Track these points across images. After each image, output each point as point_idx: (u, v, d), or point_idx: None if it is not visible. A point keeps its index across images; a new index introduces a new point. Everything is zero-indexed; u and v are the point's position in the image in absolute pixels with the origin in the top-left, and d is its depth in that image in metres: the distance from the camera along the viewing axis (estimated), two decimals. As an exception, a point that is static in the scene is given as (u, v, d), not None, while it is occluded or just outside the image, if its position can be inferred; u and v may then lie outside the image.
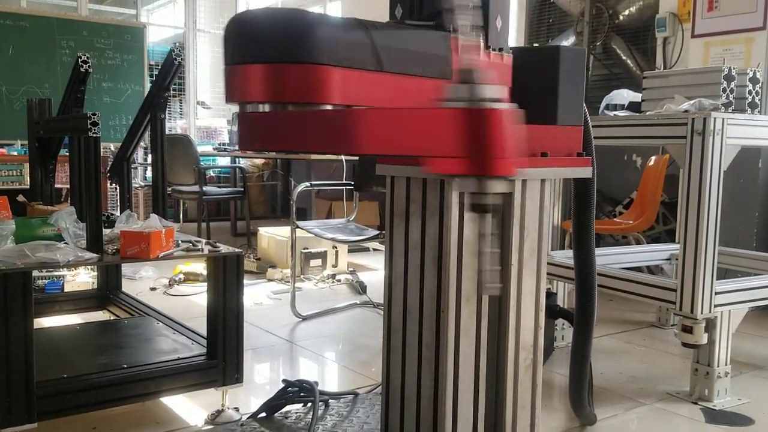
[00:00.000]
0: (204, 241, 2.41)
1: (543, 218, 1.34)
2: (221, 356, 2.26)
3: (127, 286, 3.40)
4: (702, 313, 2.43)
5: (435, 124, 0.96)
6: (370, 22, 1.13)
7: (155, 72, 7.01)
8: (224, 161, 7.49)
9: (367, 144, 1.01)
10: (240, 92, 1.09)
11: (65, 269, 3.83)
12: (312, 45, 1.03)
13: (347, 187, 4.69)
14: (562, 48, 1.29)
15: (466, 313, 1.28)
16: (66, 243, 2.21)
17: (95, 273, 3.61)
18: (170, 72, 2.47)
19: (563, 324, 3.20)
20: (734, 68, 2.67)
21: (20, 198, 2.84)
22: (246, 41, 1.08)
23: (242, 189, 6.13)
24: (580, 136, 1.37)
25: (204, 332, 2.38)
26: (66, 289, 3.70)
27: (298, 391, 2.02)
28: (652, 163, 4.11)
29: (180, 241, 2.36)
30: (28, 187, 3.05)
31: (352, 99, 1.06)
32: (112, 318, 3.05)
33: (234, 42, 1.09)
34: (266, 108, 1.09)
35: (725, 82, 2.64)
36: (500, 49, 1.25)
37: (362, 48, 1.07)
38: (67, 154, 2.81)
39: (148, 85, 6.61)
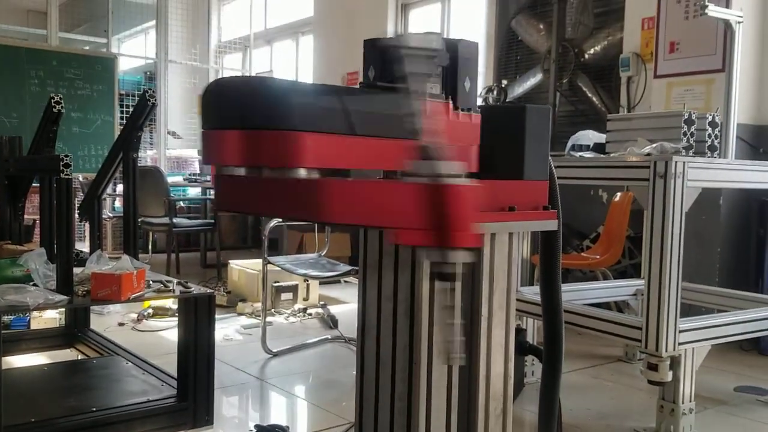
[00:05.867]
0: (175, 281, 2.42)
1: (511, 270, 1.38)
2: (191, 398, 2.25)
3: (94, 321, 3.37)
4: (667, 351, 2.48)
5: (399, 197, 1.01)
6: (339, 87, 1.18)
7: (125, 101, 7.01)
8: (195, 191, 7.47)
9: (336, 214, 1.06)
10: (216, 156, 1.13)
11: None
12: (284, 112, 1.07)
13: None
14: (528, 107, 1.34)
15: (437, 366, 1.31)
16: (35, 285, 2.20)
17: (63, 309, 3.56)
18: (143, 113, 2.48)
19: (533, 360, 3.24)
20: (694, 113, 2.77)
21: (-12, 236, 2.81)
22: (221, 108, 1.12)
23: (213, 221, 6.11)
24: (545, 190, 1.42)
25: (174, 370, 2.38)
26: (32, 326, 3.63)
27: (270, 435, 2.02)
28: (617, 198, 4.20)
29: (151, 282, 2.36)
30: (-4, 224, 3.02)
31: (326, 162, 1.10)
32: (80, 357, 3.02)
33: (210, 108, 1.13)
34: (242, 171, 1.13)
35: (686, 126, 2.73)
36: (469, 109, 1.30)
37: (333, 113, 1.11)
38: (36, 185, 2.79)
39: (118, 116, 6.58)
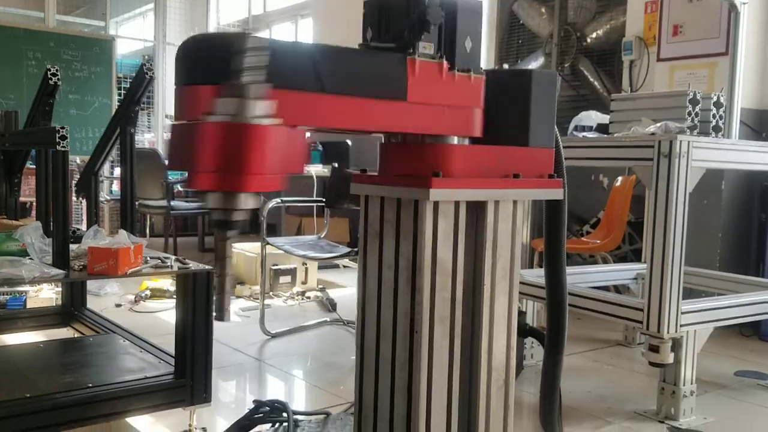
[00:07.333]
0: (173, 257, 2.38)
1: (515, 239, 1.36)
2: (189, 375, 2.22)
3: (91, 303, 3.33)
4: (668, 332, 2.46)
5: (197, 138, 0.99)
6: (316, 44, 1.18)
7: (123, 85, 6.95)
8: (193, 176, 7.40)
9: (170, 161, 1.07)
10: (190, 111, 1.09)
11: (28, 285, 3.74)
12: (258, 67, 1.04)
13: (318, 204, 4.67)
14: (534, 71, 1.31)
15: (439, 334, 1.28)
16: (31, 258, 2.17)
17: (59, 289, 3.53)
18: (141, 86, 2.45)
19: (532, 342, 3.22)
20: (699, 92, 2.74)
21: (-16, 212, 2.78)
22: (196, 62, 1.09)
23: (211, 204, 6.06)
24: (551, 158, 1.39)
25: (171, 350, 2.35)
26: (29, 305, 3.61)
27: (269, 411, 2.00)
28: (618, 183, 4.18)
29: (149, 258, 2.33)
30: (-8, 200, 2.99)
31: (298, 120, 1.08)
32: (76, 335, 2.99)
33: (185, 62, 1.10)
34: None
35: (690, 105, 2.70)
36: (468, 70, 1.26)
37: (304, 70, 1.09)
38: (32, 166, 2.76)
39: (116, 98, 6.53)
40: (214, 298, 1.04)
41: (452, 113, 1.24)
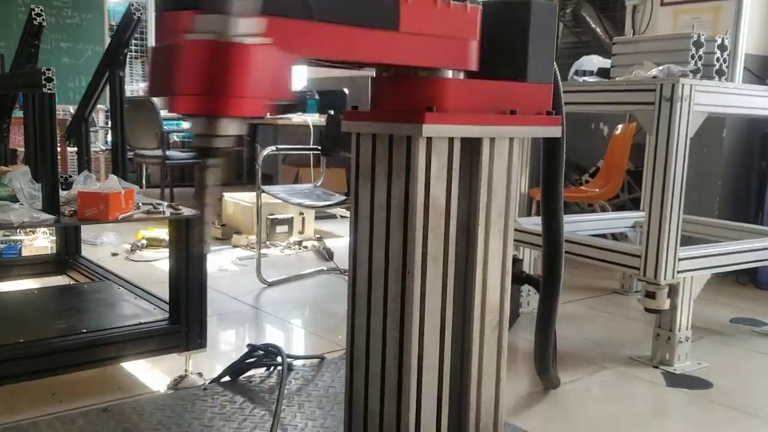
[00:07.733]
0: (166, 203, 2.35)
1: (511, 178, 1.32)
2: (184, 321, 2.21)
3: (87, 252, 3.32)
4: (665, 278, 2.45)
5: (177, 58, 0.93)
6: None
7: (116, 33, 6.83)
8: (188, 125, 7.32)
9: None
10: (171, 35, 1.03)
11: (22, 233, 3.73)
12: None
13: (314, 152, 4.62)
14: (533, 2, 1.26)
15: (432, 274, 1.26)
16: (21, 204, 2.13)
17: (53, 237, 3.52)
18: (129, 27, 2.38)
19: (529, 290, 3.22)
20: (703, 35, 2.67)
21: (-28, 158, 2.74)
22: None
23: (207, 154, 6.00)
24: (549, 95, 1.34)
25: (167, 297, 2.33)
26: (24, 254, 3.60)
27: (263, 354, 1.99)
28: (618, 131, 4.12)
29: (141, 204, 2.29)
30: (-20, 147, 2.93)
31: (284, 49, 1.02)
32: (71, 283, 2.98)
33: None
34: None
35: (694, 48, 2.63)
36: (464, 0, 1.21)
37: None
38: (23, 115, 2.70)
39: (109, 46, 6.41)
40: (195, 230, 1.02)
41: (447, 45, 1.19)
